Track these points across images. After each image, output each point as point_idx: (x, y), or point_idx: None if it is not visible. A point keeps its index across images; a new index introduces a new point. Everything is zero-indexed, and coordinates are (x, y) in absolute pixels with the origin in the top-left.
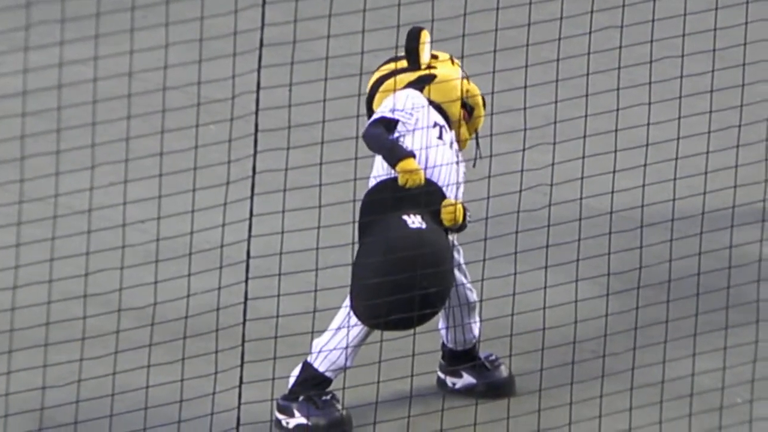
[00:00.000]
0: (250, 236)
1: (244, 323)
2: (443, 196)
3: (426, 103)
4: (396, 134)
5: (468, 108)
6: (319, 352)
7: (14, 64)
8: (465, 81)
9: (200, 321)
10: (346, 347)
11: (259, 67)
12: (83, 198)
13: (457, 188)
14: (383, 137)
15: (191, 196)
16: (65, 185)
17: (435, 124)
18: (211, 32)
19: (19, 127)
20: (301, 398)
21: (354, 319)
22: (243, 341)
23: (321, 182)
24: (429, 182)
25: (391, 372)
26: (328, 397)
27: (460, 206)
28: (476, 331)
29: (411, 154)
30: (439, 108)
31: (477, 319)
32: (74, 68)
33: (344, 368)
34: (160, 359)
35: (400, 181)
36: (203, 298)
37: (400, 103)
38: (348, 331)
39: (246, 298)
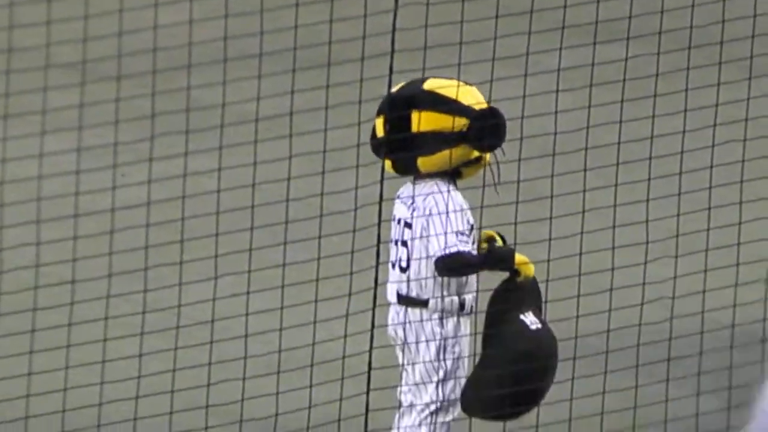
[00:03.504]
0: (371, 347)
1: None
2: (538, 285)
3: (465, 203)
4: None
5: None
6: None
7: (139, 174)
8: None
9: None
10: None
11: (382, 179)
12: (206, 309)
13: None
14: (472, 257)
15: (313, 307)
16: (188, 296)
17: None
18: (333, 144)
19: (143, 237)
20: None
21: (442, 417)
22: None
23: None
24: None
25: None
26: None
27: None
28: None
29: (512, 249)
30: None
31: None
32: (197, 179)
33: None
34: None
35: (522, 277)
36: (325, 409)
37: (459, 223)
38: (440, 430)
39: (367, 410)
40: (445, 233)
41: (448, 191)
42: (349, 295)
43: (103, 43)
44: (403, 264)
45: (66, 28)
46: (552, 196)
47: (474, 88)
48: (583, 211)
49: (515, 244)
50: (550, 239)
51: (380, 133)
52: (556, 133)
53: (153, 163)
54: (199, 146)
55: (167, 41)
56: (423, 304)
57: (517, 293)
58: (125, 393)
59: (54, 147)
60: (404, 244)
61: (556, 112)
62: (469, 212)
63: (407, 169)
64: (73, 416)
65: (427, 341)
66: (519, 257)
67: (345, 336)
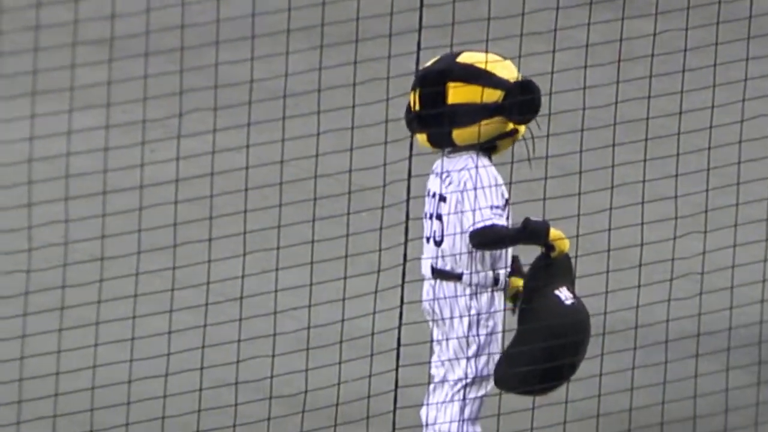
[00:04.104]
0: (401, 324)
1: (394, 411)
2: (570, 261)
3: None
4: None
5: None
6: None
7: (168, 151)
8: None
9: (351, 408)
10: (476, 419)
11: (411, 154)
12: (235, 285)
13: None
14: (506, 231)
15: (343, 283)
16: (217, 272)
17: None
18: (363, 120)
19: (173, 214)
20: None
21: (474, 392)
22: (393, 429)
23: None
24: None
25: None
26: None
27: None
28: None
29: (547, 223)
30: None
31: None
32: (227, 156)
33: None
34: None
35: (556, 252)
36: (354, 385)
37: (494, 197)
38: (472, 404)
39: (396, 386)
40: (480, 207)
41: (484, 165)
42: (378, 271)
43: (132, 19)
44: (438, 238)
45: (94, 5)
46: (581, 172)
47: (508, 62)
48: (612, 187)
49: (544, 220)
50: (579, 215)
51: (415, 107)
52: (584, 108)
53: (182, 139)
54: (228, 123)
55: (195, 17)
56: (457, 278)
57: (552, 269)
58: (155, 370)
59: (83, 124)
60: (438, 217)
61: (584, 88)
62: (503, 186)
63: (442, 142)
64: (102, 393)
65: (460, 316)
66: (554, 232)
67: (374, 312)
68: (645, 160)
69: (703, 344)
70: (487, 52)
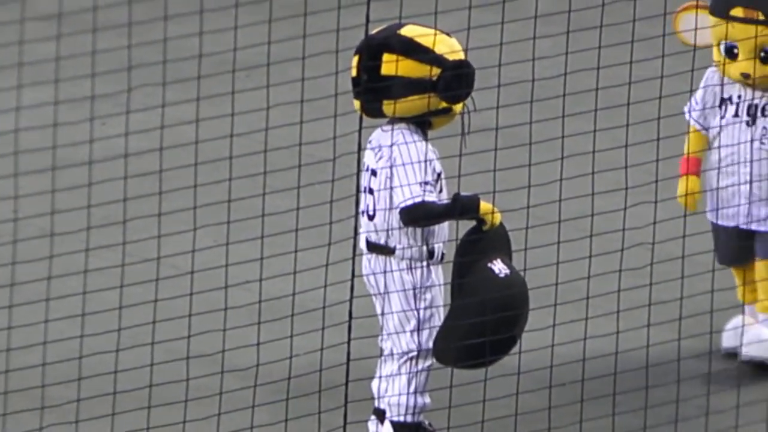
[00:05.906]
0: (352, 296)
1: (347, 384)
2: (506, 232)
3: (433, 152)
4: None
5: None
6: (399, 405)
7: (118, 126)
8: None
9: (304, 381)
10: (424, 391)
11: (360, 127)
12: (187, 258)
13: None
14: (436, 207)
15: (294, 256)
16: (169, 246)
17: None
18: (312, 93)
19: (123, 188)
20: None
21: (420, 365)
22: (346, 402)
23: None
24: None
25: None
26: None
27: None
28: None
29: (477, 197)
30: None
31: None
32: (177, 129)
33: (426, 406)
34: (263, 420)
35: (487, 225)
36: (307, 358)
37: (423, 173)
38: (418, 377)
39: (348, 359)
40: (409, 184)
41: (414, 141)
42: (329, 244)
43: None
44: (371, 212)
45: None
46: (531, 143)
47: (451, 38)
48: (562, 157)
49: (494, 191)
50: (529, 185)
51: (353, 73)
52: (534, 80)
53: (132, 113)
54: (178, 96)
55: None
56: (390, 251)
57: (484, 242)
58: (107, 345)
59: (32, 99)
60: (371, 191)
61: (533, 59)
62: (436, 161)
63: (374, 112)
64: (54, 368)
65: (396, 290)
66: (484, 206)
67: (325, 285)
68: (595, 130)
69: (655, 313)
70: (437, 27)
